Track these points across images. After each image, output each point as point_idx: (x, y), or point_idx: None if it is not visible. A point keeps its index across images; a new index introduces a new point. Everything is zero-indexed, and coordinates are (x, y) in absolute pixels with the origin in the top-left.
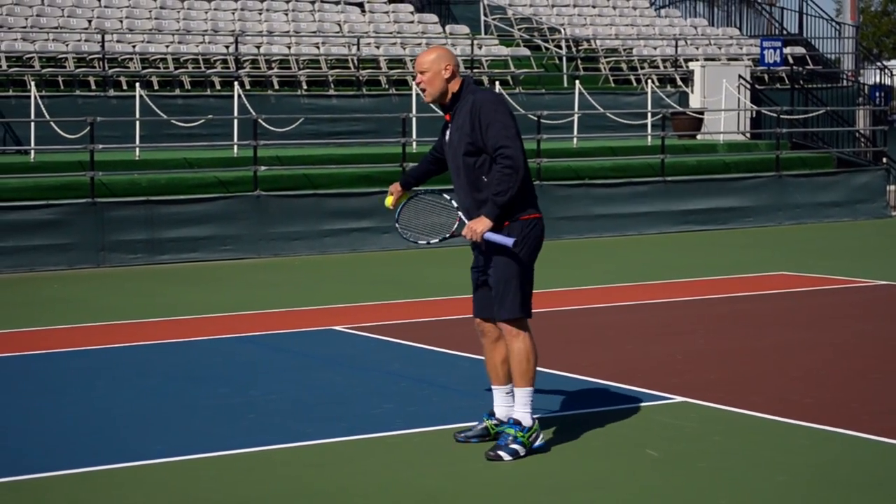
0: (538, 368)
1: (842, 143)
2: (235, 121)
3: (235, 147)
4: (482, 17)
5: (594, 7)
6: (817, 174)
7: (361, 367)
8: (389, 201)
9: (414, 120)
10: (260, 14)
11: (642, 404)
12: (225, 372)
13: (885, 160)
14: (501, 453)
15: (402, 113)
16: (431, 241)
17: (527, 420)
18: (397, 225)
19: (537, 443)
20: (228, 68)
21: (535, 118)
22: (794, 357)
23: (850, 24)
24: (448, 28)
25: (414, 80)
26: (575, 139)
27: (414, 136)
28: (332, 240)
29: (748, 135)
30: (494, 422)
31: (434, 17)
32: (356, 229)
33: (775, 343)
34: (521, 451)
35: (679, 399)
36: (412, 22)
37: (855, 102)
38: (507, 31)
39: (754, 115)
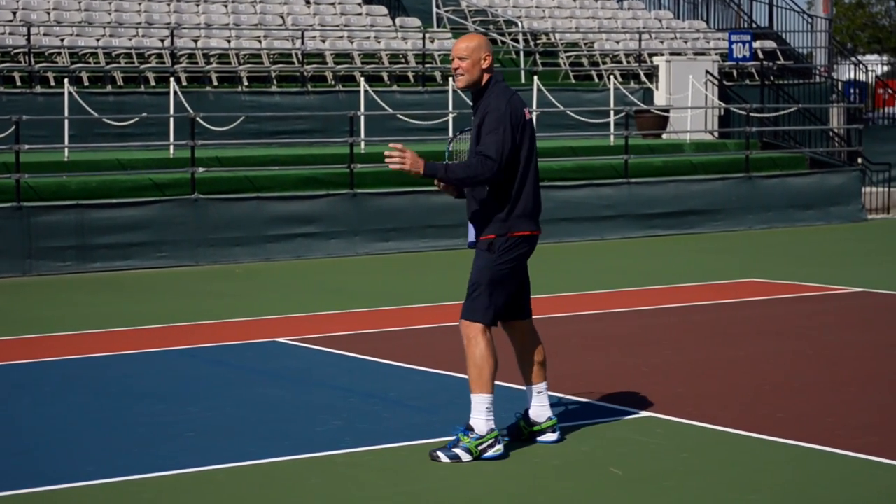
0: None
1: (815, 142)
2: (171, 119)
3: (171, 147)
4: (434, 9)
5: None
6: (789, 175)
7: (307, 382)
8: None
9: (362, 118)
10: (197, 6)
11: (605, 420)
12: (161, 387)
13: (860, 160)
14: (440, 454)
15: (349, 111)
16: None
17: (480, 427)
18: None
19: (490, 452)
20: (164, 63)
21: None
22: (765, 369)
23: (822, 17)
24: (398, 20)
25: (451, 65)
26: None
27: (362, 135)
28: (276, 246)
29: (716, 134)
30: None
31: (383, 9)
32: (301, 235)
33: (745, 354)
34: (465, 457)
35: (644, 414)
36: (360, 14)
37: (828, 100)
38: (460, 24)
39: (722, 113)
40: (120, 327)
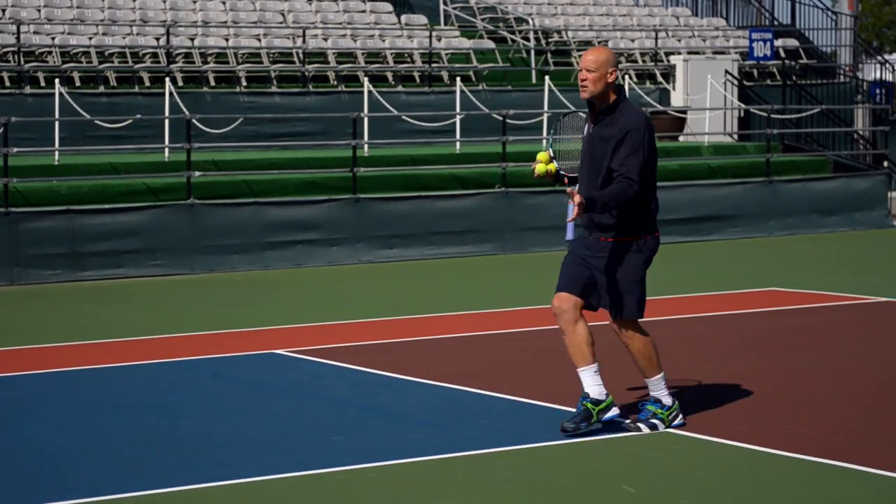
0: (493, 394)
1: (838, 145)
2: (167, 121)
3: (167, 150)
4: (441, 7)
5: None
6: (811, 179)
7: (306, 396)
8: (542, 168)
9: (366, 120)
10: (194, 3)
11: (617, 434)
12: (154, 401)
13: (885, 164)
14: (641, 426)
15: (352, 112)
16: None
17: (667, 399)
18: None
19: (677, 420)
20: (159, 63)
21: (500, 118)
22: (785, 382)
23: (847, 14)
24: (404, 18)
25: (578, 75)
26: (545, 141)
27: (366, 137)
28: (275, 253)
29: (736, 136)
30: (591, 401)
31: (388, 6)
32: (301, 242)
33: (764, 367)
34: (661, 426)
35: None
36: (364, 11)
37: (853, 100)
38: (469, 22)
39: (742, 115)
40: (111, 338)
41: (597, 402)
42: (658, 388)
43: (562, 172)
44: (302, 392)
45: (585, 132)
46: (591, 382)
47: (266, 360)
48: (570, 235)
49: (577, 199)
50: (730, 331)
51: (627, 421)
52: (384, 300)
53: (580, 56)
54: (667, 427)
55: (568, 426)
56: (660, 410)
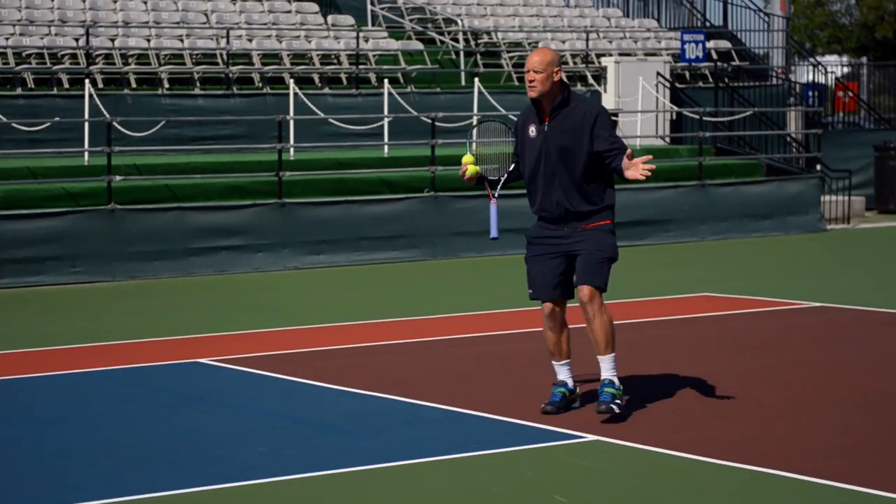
0: (423, 402)
1: (771, 148)
2: (86, 124)
3: (86, 154)
4: (369, 7)
5: None
6: (744, 183)
7: (230, 406)
8: (473, 169)
9: (291, 123)
10: (115, 2)
11: (549, 444)
12: (73, 412)
13: (818, 167)
14: (612, 406)
15: (277, 115)
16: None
17: (616, 381)
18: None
19: (623, 401)
20: (78, 64)
21: (429, 120)
22: (718, 389)
23: (780, 16)
24: (330, 18)
25: (526, 76)
26: (474, 144)
27: (291, 140)
28: (198, 260)
29: (668, 139)
30: (569, 389)
31: (314, 7)
32: (225, 248)
33: (698, 373)
34: (623, 404)
35: (590, 437)
36: (289, 12)
37: (786, 103)
38: (396, 23)
39: (674, 117)
40: (29, 348)
41: (571, 392)
42: (611, 368)
43: (483, 175)
44: (226, 402)
45: (535, 132)
46: (567, 374)
47: (189, 370)
48: (494, 233)
49: (638, 159)
50: (662, 337)
51: (602, 407)
52: (311, 307)
53: (510, 58)
54: (623, 404)
55: (549, 409)
56: (616, 391)
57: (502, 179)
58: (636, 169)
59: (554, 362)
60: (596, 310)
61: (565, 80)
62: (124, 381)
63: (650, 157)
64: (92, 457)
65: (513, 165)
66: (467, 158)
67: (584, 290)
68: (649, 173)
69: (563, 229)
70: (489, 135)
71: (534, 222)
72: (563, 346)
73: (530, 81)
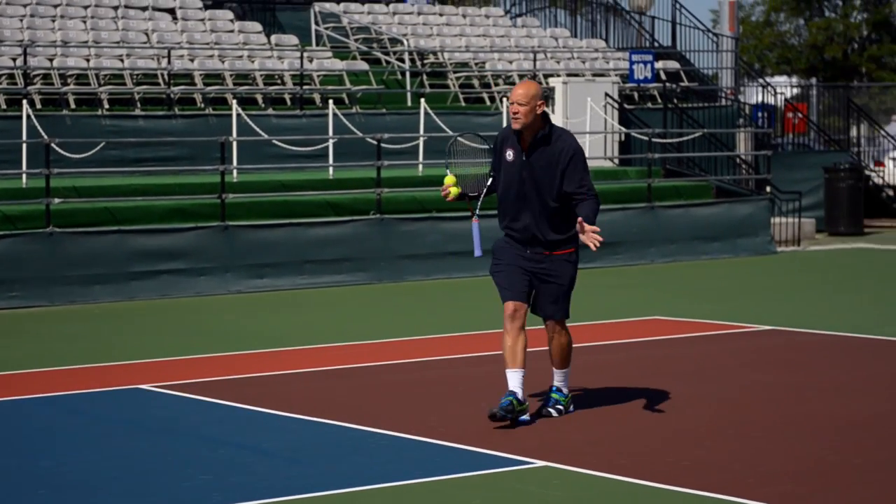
0: (368, 428)
1: (721, 169)
2: (24, 145)
3: (24, 176)
4: (313, 26)
5: (441, 16)
6: (694, 205)
7: (172, 433)
8: (455, 191)
9: (234, 144)
10: (53, 21)
11: (497, 470)
12: (10, 439)
13: (768, 189)
14: (551, 410)
15: (220, 136)
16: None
17: (566, 389)
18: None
19: (570, 408)
20: (15, 84)
21: (375, 142)
22: (668, 414)
23: (728, 36)
24: (274, 38)
25: (510, 108)
26: (420, 166)
27: (234, 162)
28: (139, 284)
29: (616, 161)
30: (518, 399)
31: (258, 26)
32: (167, 271)
33: (647, 398)
34: (563, 410)
35: (540, 463)
36: (232, 31)
37: (735, 124)
38: (341, 43)
39: (623, 139)
40: None
41: (520, 403)
42: (564, 380)
43: (464, 192)
44: (167, 428)
45: (512, 157)
46: (517, 384)
47: (129, 396)
48: (478, 252)
49: (589, 228)
50: (612, 361)
51: (544, 411)
52: (254, 332)
53: (457, 78)
54: (566, 412)
55: (497, 413)
56: (562, 398)
57: (482, 195)
58: (587, 238)
59: (507, 370)
60: (558, 331)
61: (548, 112)
62: (64, 409)
63: (597, 228)
64: (30, 486)
65: (490, 179)
66: (449, 180)
67: (550, 324)
68: (597, 244)
69: (527, 251)
70: (466, 156)
71: (500, 236)
72: (518, 352)
73: (514, 113)
